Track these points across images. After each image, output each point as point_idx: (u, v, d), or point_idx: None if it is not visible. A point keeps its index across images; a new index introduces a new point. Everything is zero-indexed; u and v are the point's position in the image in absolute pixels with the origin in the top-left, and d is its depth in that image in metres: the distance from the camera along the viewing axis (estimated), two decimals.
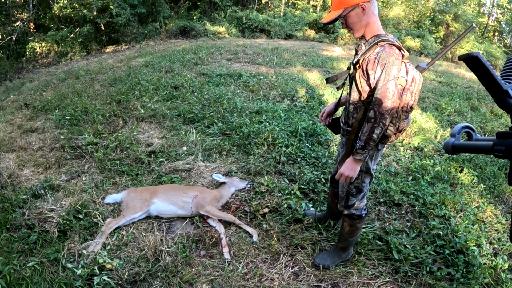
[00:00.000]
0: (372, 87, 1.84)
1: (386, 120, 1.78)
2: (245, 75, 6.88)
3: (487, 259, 2.62)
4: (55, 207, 2.85)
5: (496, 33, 27.99)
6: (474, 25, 1.87)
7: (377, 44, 1.80)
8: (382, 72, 1.76)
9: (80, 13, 12.73)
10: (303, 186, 3.28)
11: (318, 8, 20.94)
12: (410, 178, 3.64)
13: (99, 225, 2.65)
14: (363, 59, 1.85)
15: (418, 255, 2.55)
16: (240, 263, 2.43)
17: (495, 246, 2.84)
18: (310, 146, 4.04)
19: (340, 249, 2.43)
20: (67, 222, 2.64)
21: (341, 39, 16.21)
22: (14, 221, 2.66)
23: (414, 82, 1.83)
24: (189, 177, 3.44)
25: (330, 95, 5.99)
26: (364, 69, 1.84)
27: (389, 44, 1.77)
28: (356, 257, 2.53)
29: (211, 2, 17.05)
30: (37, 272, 2.21)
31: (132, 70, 7.49)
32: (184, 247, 2.51)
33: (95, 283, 2.15)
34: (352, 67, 1.99)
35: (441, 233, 2.78)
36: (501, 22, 26.85)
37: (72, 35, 12.98)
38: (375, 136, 1.80)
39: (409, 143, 4.50)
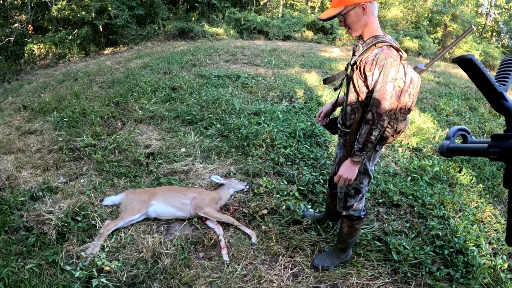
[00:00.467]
0: (370, 88, 1.83)
1: (384, 122, 1.78)
2: (243, 77, 6.88)
3: (487, 259, 2.61)
4: (53, 209, 2.84)
5: (494, 34, 28.07)
6: (473, 27, 1.87)
7: (375, 45, 1.79)
8: (380, 74, 1.75)
9: (78, 15, 12.73)
10: (301, 187, 3.27)
11: (316, 9, 20.97)
12: (409, 178, 3.64)
13: (97, 227, 2.64)
14: (361, 60, 1.85)
15: (417, 256, 2.55)
16: (239, 264, 2.42)
17: (495, 246, 2.84)
18: (308, 147, 4.03)
19: (339, 250, 2.43)
20: (66, 224, 2.63)
21: (339, 40, 16.22)
22: (12, 223, 2.65)
23: (412, 83, 1.83)
24: (187, 179, 3.43)
25: (329, 96, 6.00)
26: (362, 70, 1.84)
27: (387, 45, 1.77)
28: (355, 258, 2.53)
29: (210, 4, 17.06)
30: (36, 274, 2.20)
31: (130, 72, 7.48)
32: (182, 249, 2.50)
33: (93, 285, 2.14)
34: (349, 68, 1.99)
35: (440, 233, 2.77)
36: (499, 23, 26.93)
37: (70, 36, 12.96)
38: (373, 138, 1.80)
39: (408, 143, 4.50)
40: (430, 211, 3.12)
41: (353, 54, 2.00)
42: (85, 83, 6.93)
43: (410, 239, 2.75)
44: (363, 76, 1.85)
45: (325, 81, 2.23)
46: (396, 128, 1.90)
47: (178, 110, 5.01)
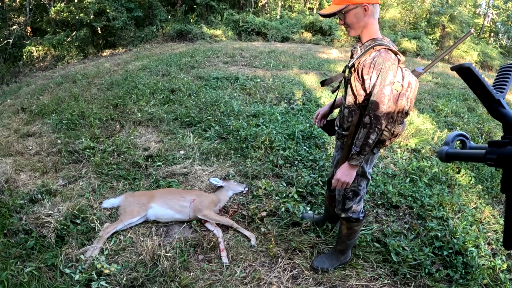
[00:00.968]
0: (368, 92, 1.83)
1: (382, 126, 1.78)
2: (242, 78, 6.88)
3: (486, 260, 2.62)
4: (52, 212, 2.83)
5: (492, 34, 28.14)
6: (472, 31, 1.88)
7: (373, 48, 1.79)
8: (377, 77, 1.75)
9: (77, 17, 12.71)
10: (300, 189, 3.28)
11: (315, 11, 21.00)
12: (408, 180, 3.64)
13: (96, 230, 2.64)
14: (359, 62, 1.85)
15: (417, 257, 2.55)
16: (238, 267, 2.42)
17: (494, 246, 2.85)
18: (307, 149, 4.04)
19: (339, 251, 2.43)
20: (65, 227, 2.63)
21: (338, 41, 16.24)
22: (12, 226, 2.65)
23: (410, 87, 1.83)
24: (186, 181, 3.43)
25: (327, 98, 6.01)
26: (360, 73, 1.84)
27: (385, 48, 1.77)
28: (355, 259, 2.53)
29: (208, 5, 17.07)
30: (35, 277, 2.20)
31: (129, 74, 7.48)
32: (182, 251, 2.50)
33: None
34: (347, 70, 1.99)
35: (439, 234, 2.78)
36: (497, 23, 26.99)
37: (69, 38, 12.95)
38: (370, 141, 1.80)
39: (406, 144, 4.51)
40: (429, 212, 3.13)
41: (351, 57, 2.00)
42: (84, 85, 6.93)
43: (409, 240, 2.76)
44: (361, 79, 1.85)
45: (323, 83, 2.23)
46: (394, 131, 1.90)
47: (177, 112, 5.02)
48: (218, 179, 3.22)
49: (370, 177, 2.16)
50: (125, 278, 2.24)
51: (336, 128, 2.17)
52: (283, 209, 2.95)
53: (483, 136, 5.13)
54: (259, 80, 6.93)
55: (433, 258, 2.60)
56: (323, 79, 2.75)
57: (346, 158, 1.96)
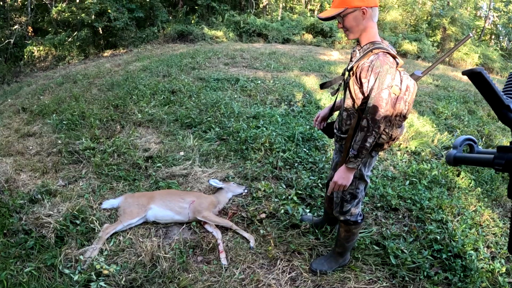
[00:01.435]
0: (366, 95, 1.83)
1: (379, 129, 1.78)
2: (242, 80, 6.89)
3: (485, 263, 2.62)
4: (52, 212, 2.84)
5: (493, 36, 28.15)
6: (471, 35, 1.88)
7: (372, 52, 1.80)
8: (375, 81, 1.76)
9: (78, 17, 12.73)
10: (300, 191, 3.28)
11: (316, 13, 21.01)
12: (407, 182, 3.65)
13: (96, 231, 2.64)
14: (357, 66, 1.85)
15: (416, 260, 2.55)
16: (237, 268, 2.42)
17: (493, 249, 2.85)
18: (307, 151, 4.04)
19: (337, 254, 2.43)
20: (64, 227, 2.63)
21: (339, 43, 16.25)
22: (11, 226, 2.65)
23: (408, 91, 1.83)
24: (186, 183, 3.44)
25: (327, 100, 6.01)
26: (358, 76, 1.84)
27: (384, 52, 1.77)
28: (353, 262, 2.53)
29: (209, 7, 17.09)
30: (34, 277, 2.21)
31: (130, 75, 7.49)
32: (181, 252, 2.51)
33: None
34: (346, 73, 1.99)
35: (439, 237, 2.78)
36: (498, 25, 27.00)
37: (70, 39, 12.97)
38: (368, 145, 1.81)
39: (406, 147, 4.51)
40: (428, 215, 3.13)
41: (351, 60, 2.01)
42: (85, 86, 6.94)
43: (408, 243, 2.76)
44: (359, 83, 1.85)
45: (322, 86, 2.23)
46: (391, 135, 1.90)
47: (177, 113, 5.02)
48: (218, 180, 3.22)
49: (368, 180, 2.16)
50: (124, 279, 2.24)
51: (335, 130, 2.18)
52: (282, 211, 2.95)
53: (483, 139, 5.13)
54: (259, 81, 6.94)
55: (432, 261, 2.60)
56: (323, 81, 2.76)
57: (345, 161, 1.97)
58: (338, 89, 2.20)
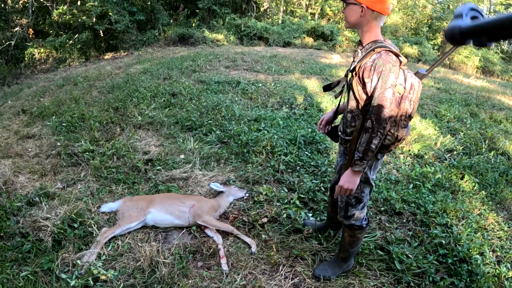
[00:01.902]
0: (369, 95, 1.79)
1: (384, 130, 1.73)
2: (243, 83, 6.86)
3: (491, 267, 2.57)
4: (49, 216, 2.80)
5: None
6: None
7: (374, 51, 1.76)
8: (378, 80, 1.71)
9: (79, 20, 12.76)
10: (302, 195, 3.23)
11: (316, 16, 21.05)
12: (411, 186, 3.60)
13: (94, 235, 2.60)
14: (360, 66, 1.81)
15: (421, 265, 2.50)
16: (238, 274, 2.37)
17: (498, 254, 2.80)
18: (309, 154, 4.00)
19: (341, 259, 2.38)
20: (62, 231, 2.59)
21: (339, 46, 16.26)
22: (8, 229, 2.61)
23: (413, 89, 1.79)
24: (186, 186, 3.39)
25: (329, 103, 5.97)
26: (361, 76, 1.80)
27: (386, 50, 1.73)
28: (357, 267, 2.48)
29: (210, 10, 17.12)
30: (31, 282, 2.17)
31: (130, 77, 7.47)
32: (181, 258, 2.46)
33: None
34: (349, 74, 1.95)
35: (444, 241, 2.73)
36: None
37: (71, 41, 12.98)
38: (373, 146, 1.75)
39: (409, 150, 4.47)
40: (433, 219, 3.08)
41: (353, 60, 1.97)
42: (85, 88, 6.91)
43: (413, 247, 2.71)
44: (362, 83, 1.81)
45: (325, 89, 2.19)
46: (397, 135, 1.85)
47: (178, 116, 4.98)
48: (219, 184, 3.18)
49: (373, 184, 2.12)
50: (122, 285, 2.20)
51: (339, 133, 2.13)
52: (284, 215, 2.90)
53: (487, 142, 5.08)
54: (260, 84, 6.90)
55: (437, 266, 2.55)
56: (325, 84, 2.72)
57: (350, 164, 1.92)
58: (341, 92, 2.16)
